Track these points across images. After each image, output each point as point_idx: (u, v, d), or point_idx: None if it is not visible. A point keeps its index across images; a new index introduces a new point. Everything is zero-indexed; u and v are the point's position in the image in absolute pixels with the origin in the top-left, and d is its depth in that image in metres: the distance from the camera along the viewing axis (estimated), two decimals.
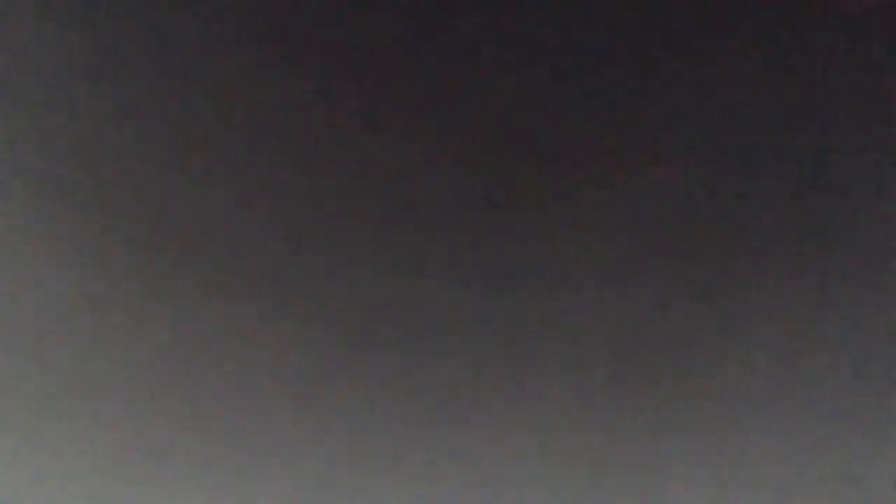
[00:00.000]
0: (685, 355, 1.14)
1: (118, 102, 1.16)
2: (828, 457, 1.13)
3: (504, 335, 1.15)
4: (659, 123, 1.16)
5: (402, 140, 1.16)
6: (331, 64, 1.17)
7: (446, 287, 1.15)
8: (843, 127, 1.16)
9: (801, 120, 1.16)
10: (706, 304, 1.15)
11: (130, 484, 1.12)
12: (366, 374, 1.14)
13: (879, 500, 1.13)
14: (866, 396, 1.14)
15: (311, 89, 1.16)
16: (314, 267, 1.15)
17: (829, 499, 1.13)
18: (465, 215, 1.15)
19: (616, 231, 1.15)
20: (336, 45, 1.17)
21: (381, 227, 1.15)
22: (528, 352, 1.14)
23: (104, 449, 1.13)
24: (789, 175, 1.16)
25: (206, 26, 1.17)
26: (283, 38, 1.17)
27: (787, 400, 1.14)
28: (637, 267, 1.15)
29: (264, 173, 1.16)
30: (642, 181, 1.16)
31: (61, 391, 1.13)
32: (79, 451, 1.13)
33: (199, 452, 1.13)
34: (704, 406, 1.14)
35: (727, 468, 1.13)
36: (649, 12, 1.17)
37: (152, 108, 1.16)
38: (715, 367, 1.14)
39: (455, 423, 1.14)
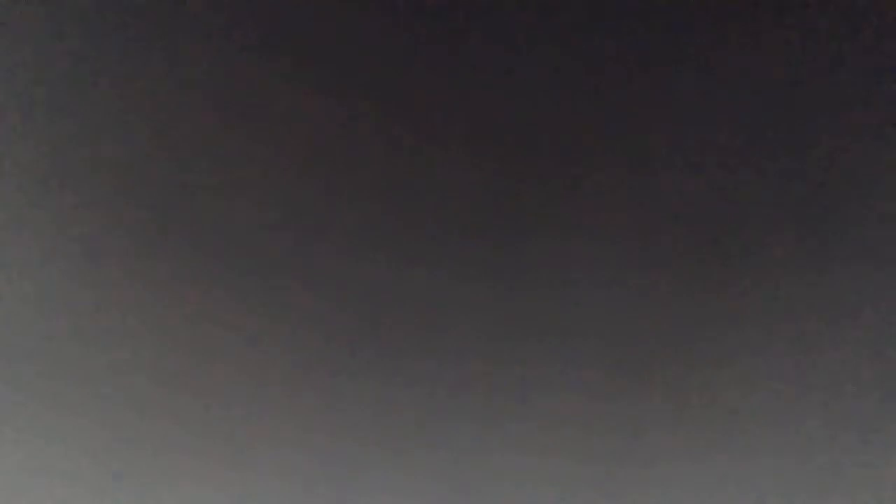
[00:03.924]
0: (687, 353, 1.14)
1: (119, 102, 1.16)
2: (828, 455, 1.13)
3: (505, 332, 1.15)
4: (660, 123, 1.16)
5: (403, 138, 1.16)
6: (333, 62, 1.17)
7: (447, 284, 1.15)
8: (844, 126, 1.16)
9: (802, 119, 1.16)
10: (708, 301, 1.15)
11: (131, 481, 1.12)
12: (367, 370, 1.14)
13: (880, 500, 1.13)
14: (867, 395, 1.14)
15: (314, 88, 1.16)
16: (316, 264, 1.15)
17: (829, 498, 1.13)
18: (466, 213, 1.15)
19: (617, 228, 1.15)
20: (339, 43, 1.17)
21: (382, 225, 1.15)
22: (530, 348, 1.14)
23: (104, 447, 1.13)
24: (790, 174, 1.16)
25: (207, 25, 1.17)
26: (285, 36, 1.17)
27: (787, 397, 1.14)
28: (639, 264, 1.15)
29: (267, 171, 1.16)
30: (643, 180, 1.16)
31: (63, 390, 1.13)
32: (79, 450, 1.13)
33: (200, 450, 1.13)
34: (706, 404, 1.14)
35: (729, 465, 1.13)
36: (651, 12, 1.17)
37: (154, 107, 1.16)
38: (716, 366, 1.14)
39: (456, 419, 1.14)
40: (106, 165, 1.15)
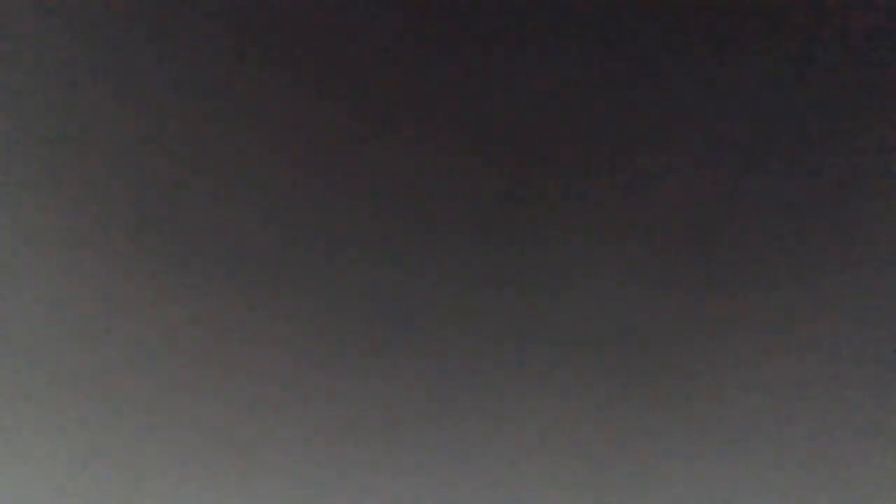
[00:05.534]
0: (685, 354, 1.14)
1: (120, 102, 1.16)
2: (828, 456, 1.13)
3: (505, 334, 1.15)
4: (660, 125, 1.16)
5: (403, 140, 1.16)
6: (335, 64, 1.17)
7: (448, 287, 1.15)
8: (844, 127, 1.16)
9: (801, 120, 1.16)
10: (708, 305, 1.15)
11: (131, 480, 1.13)
12: (367, 372, 1.14)
13: (879, 500, 1.13)
14: (867, 396, 1.14)
15: (316, 89, 1.16)
16: (317, 265, 1.15)
17: (829, 499, 1.13)
18: (466, 215, 1.16)
19: (617, 230, 1.15)
20: (339, 44, 1.17)
21: (383, 227, 1.15)
22: (529, 350, 1.14)
23: (106, 447, 1.13)
24: (789, 175, 1.16)
25: (207, 26, 1.17)
26: (285, 37, 1.17)
27: (786, 398, 1.14)
28: (638, 266, 1.15)
29: (267, 172, 1.16)
30: (643, 182, 1.16)
31: (63, 389, 1.13)
32: (80, 449, 1.13)
33: (200, 449, 1.13)
34: (704, 405, 1.14)
35: (727, 466, 1.13)
36: (652, 13, 1.17)
37: (154, 108, 1.16)
38: (714, 367, 1.14)
39: (456, 420, 1.14)
40: (105, 165, 1.15)
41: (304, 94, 1.16)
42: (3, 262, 1.14)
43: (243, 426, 1.13)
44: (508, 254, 1.15)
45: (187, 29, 1.17)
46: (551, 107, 1.16)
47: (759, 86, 1.17)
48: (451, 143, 1.16)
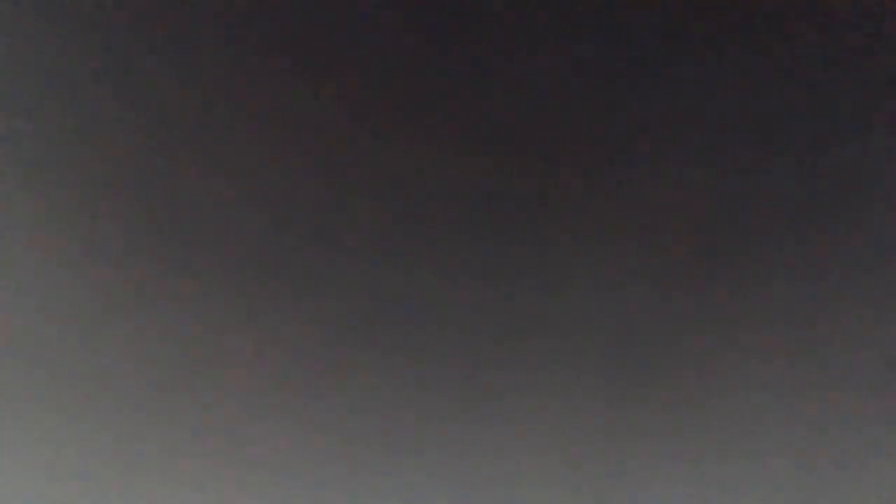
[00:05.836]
0: (685, 354, 1.14)
1: (120, 103, 1.16)
2: (829, 456, 1.13)
3: (505, 333, 1.15)
4: (659, 124, 1.16)
5: (404, 140, 1.16)
6: (335, 64, 1.17)
7: (445, 286, 1.15)
8: (844, 127, 1.16)
9: (801, 120, 1.17)
10: (707, 304, 1.15)
11: (130, 481, 1.13)
12: (366, 372, 1.14)
13: (879, 500, 1.13)
14: (868, 395, 1.14)
15: (316, 90, 1.16)
16: (316, 265, 1.15)
17: (829, 499, 1.13)
18: (466, 215, 1.16)
19: (617, 230, 1.15)
20: (339, 44, 1.17)
21: (381, 227, 1.15)
22: (529, 350, 1.14)
23: (103, 448, 1.13)
24: (789, 175, 1.16)
25: (208, 26, 1.17)
26: (285, 37, 1.17)
27: (787, 398, 1.14)
28: (636, 266, 1.15)
29: (268, 172, 1.16)
30: (644, 182, 1.16)
31: (61, 390, 1.13)
32: (79, 450, 1.13)
33: (200, 450, 1.13)
34: (705, 405, 1.14)
35: (727, 466, 1.13)
36: (651, 13, 1.17)
37: (154, 107, 1.16)
38: (714, 367, 1.14)
39: (456, 420, 1.14)
40: (106, 165, 1.15)
41: (305, 93, 1.16)
42: (3, 262, 1.14)
43: (243, 426, 1.13)
44: (508, 254, 1.15)
45: (187, 29, 1.17)
46: (552, 106, 1.16)
47: (759, 86, 1.17)
48: (451, 143, 1.16)
